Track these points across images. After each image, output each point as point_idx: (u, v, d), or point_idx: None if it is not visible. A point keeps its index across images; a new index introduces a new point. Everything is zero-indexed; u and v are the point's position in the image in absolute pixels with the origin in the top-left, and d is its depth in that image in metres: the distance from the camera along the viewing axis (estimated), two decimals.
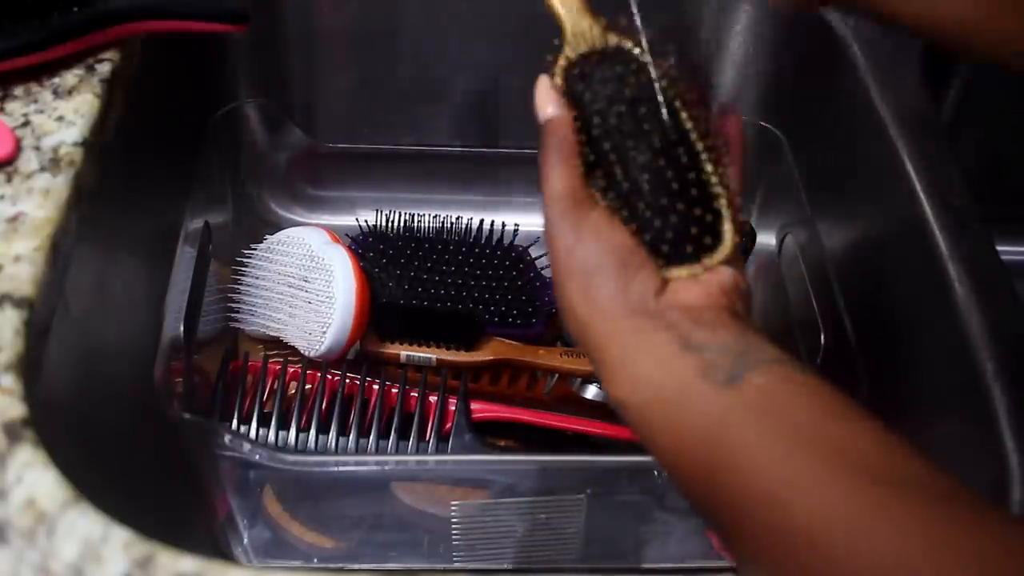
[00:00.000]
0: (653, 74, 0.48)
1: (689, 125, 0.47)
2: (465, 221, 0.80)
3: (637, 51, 0.49)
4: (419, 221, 0.80)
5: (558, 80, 0.48)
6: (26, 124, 0.56)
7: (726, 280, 0.44)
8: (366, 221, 0.80)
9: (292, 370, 0.68)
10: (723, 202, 0.46)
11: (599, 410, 0.71)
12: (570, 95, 0.48)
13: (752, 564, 0.36)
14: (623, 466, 0.64)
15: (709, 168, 0.46)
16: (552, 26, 0.88)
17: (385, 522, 0.69)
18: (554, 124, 0.46)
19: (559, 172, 0.45)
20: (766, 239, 0.83)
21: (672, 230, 0.45)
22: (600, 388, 0.47)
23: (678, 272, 0.44)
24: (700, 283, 0.43)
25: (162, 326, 0.65)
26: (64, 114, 0.57)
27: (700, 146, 0.47)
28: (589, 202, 0.45)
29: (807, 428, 0.36)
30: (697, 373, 0.38)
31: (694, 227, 0.45)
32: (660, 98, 0.47)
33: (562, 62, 0.49)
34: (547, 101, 0.47)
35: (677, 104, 0.47)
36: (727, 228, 0.45)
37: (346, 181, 0.92)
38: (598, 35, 0.50)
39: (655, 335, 0.40)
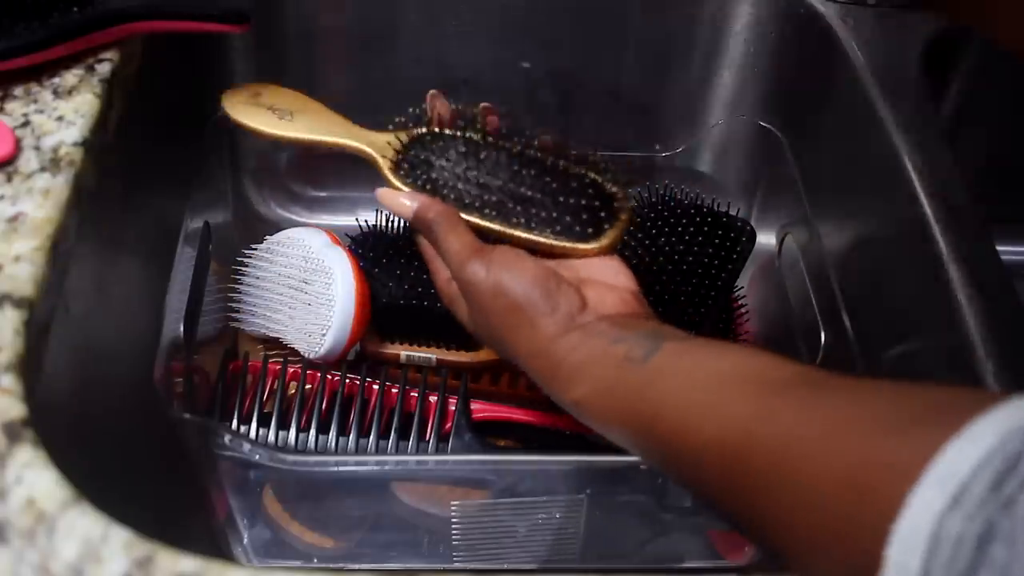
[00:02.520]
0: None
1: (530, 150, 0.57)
2: None
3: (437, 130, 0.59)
4: None
5: (397, 184, 0.58)
6: (26, 124, 0.56)
7: (634, 286, 0.52)
8: (366, 221, 0.80)
9: (292, 370, 0.68)
10: (606, 188, 0.56)
11: None
12: (421, 181, 0.58)
13: (702, 492, 0.42)
14: (623, 466, 0.64)
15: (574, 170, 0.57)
16: (552, 24, 0.89)
17: (385, 522, 0.69)
18: (423, 208, 0.55)
19: (453, 237, 0.53)
20: (766, 239, 0.83)
21: (576, 221, 0.55)
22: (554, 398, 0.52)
23: (596, 244, 0.54)
24: (615, 294, 0.51)
25: (162, 326, 0.65)
26: (64, 114, 0.57)
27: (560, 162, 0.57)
28: (488, 245, 0.52)
29: (705, 372, 0.43)
30: (623, 359, 0.46)
31: (590, 212, 0.55)
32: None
33: (388, 170, 0.59)
34: (401, 200, 0.56)
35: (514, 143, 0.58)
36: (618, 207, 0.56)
37: (346, 181, 0.92)
38: (398, 139, 0.60)
39: (589, 341, 0.48)
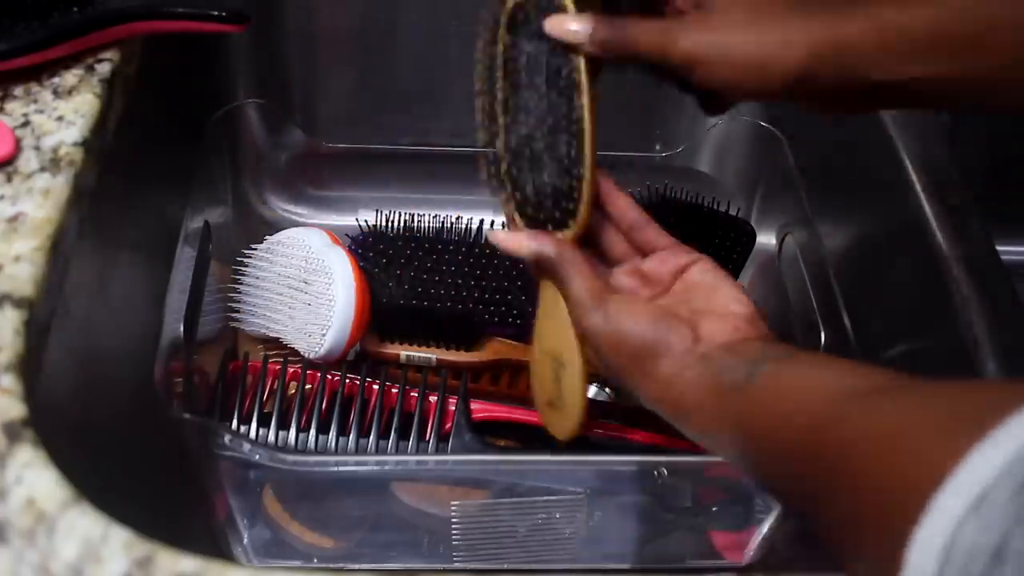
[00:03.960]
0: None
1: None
2: (465, 221, 0.80)
3: None
4: (419, 221, 0.80)
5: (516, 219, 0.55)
6: (26, 124, 0.56)
7: (747, 312, 0.52)
8: (366, 221, 0.80)
9: (292, 370, 0.68)
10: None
11: (599, 410, 0.71)
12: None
13: (811, 506, 0.41)
14: (623, 466, 0.64)
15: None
16: None
17: (385, 522, 0.69)
18: (550, 250, 0.53)
19: (578, 283, 0.52)
20: (766, 239, 0.83)
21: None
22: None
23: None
24: (727, 322, 0.51)
25: (162, 326, 0.65)
26: (64, 114, 0.57)
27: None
28: (606, 292, 0.52)
29: (798, 392, 0.44)
30: (726, 388, 0.47)
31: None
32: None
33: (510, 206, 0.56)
34: (523, 242, 0.54)
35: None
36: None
37: (346, 181, 0.92)
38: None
39: (702, 379, 0.49)
